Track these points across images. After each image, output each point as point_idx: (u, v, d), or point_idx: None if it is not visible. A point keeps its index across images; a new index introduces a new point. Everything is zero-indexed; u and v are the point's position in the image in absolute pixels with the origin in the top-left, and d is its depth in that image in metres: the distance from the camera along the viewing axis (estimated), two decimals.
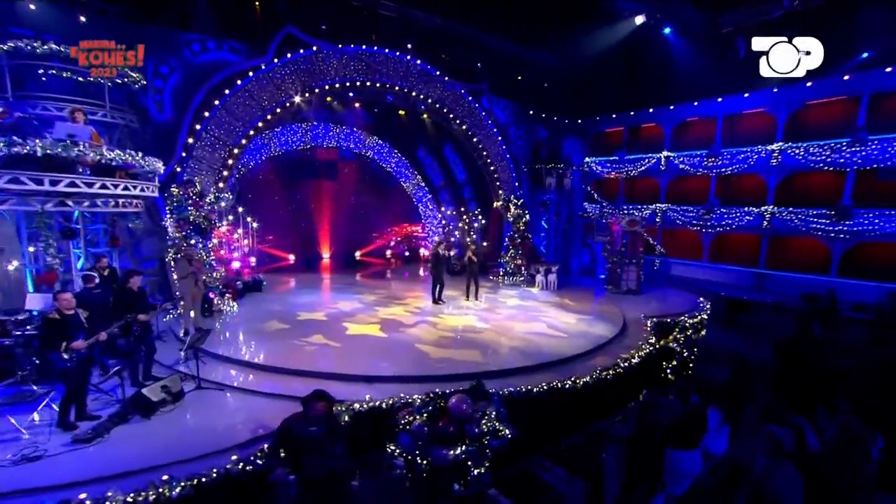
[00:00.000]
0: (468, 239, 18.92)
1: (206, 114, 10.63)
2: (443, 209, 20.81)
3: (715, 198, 15.84)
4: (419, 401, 6.22)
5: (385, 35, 13.80)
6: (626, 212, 17.97)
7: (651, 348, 8.89)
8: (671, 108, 17.10)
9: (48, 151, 5.64)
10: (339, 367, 7.49)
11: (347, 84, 12.88)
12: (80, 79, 9.40)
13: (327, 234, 19.25)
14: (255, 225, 13.92)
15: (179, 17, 10.88)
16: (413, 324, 10.27)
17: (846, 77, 13.13)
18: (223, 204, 10.64)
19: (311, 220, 18.77)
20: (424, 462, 5.33)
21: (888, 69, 12.40)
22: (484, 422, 5.74)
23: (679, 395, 5.33)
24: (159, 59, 10.64)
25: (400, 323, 10.28)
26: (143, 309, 6.92)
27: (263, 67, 11.35)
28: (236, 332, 9.24)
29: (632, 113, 18.51)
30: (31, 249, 8.23)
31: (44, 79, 9.00)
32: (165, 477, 4.67)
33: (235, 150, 11.06)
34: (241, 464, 4.97)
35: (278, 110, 11.71)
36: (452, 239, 18.67)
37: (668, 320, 10.75)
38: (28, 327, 6.98)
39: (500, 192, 16.84)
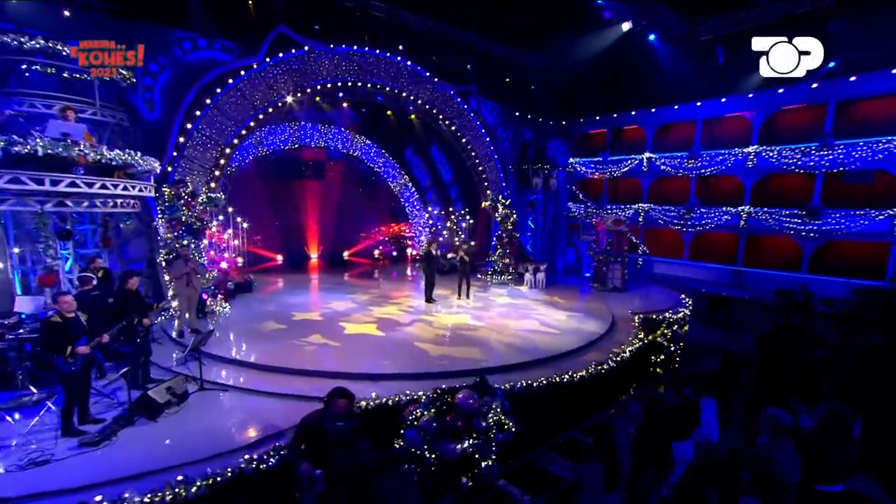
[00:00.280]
0: (456, 239, 19.14)
1: (198, 113, 10.50)
2: (430, 209, 20.97)
3: (695, 198, 16.44)
4: (425, 397, 6.40)
5: (377, 36, 13.86)
6: (609, 212, 18.47)
7: (640, 343, 9.26)
8: (653, 111, 17.65)
9: (49, 151, 5.54)
10: (341, 366, 7.57)
11: (339, 84, 12.90)
12: (66, 75, 9.21)
13: (315, 234, 19.17)
14: (245, 225, 13.78)
15: (169, 15, 10.66)
16: (409, 322, 10.41)
17: (814, 85, 13.85)
18: (217, 205, 10.53)
19: (298, 220, 18.67)
20: (433, 456, 5.49)
21: (852, 78, 13.15)
22: (490, 415, 5.95)
23: (672, 387, 5.64)
24: (149, 57, 10.41)
25: (396, 322, 10.39)
26: (143, 310, 6.87)
27: (255, 67, 11.28)
28: (234, 333, 9.20)
29: (615, 115, 19.01)
30: (17, 251, 8.04)
31: (27, 74, 8.77)
32: (180, 477, 4.71)
33: (227, 150, 10.97)
34: (255, 462, 5.04)
35: (270, 110, 11.64)
36: (441, 239, 18.83)
37: (654, 316, 11.18)
38: (21, 331, 6.83)
39: (489, 192, 17.11)
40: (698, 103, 16.25)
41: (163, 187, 9.69)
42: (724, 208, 15.65)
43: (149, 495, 4.46)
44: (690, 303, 13.17)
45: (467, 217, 18.96)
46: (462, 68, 16.39)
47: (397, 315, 11.04)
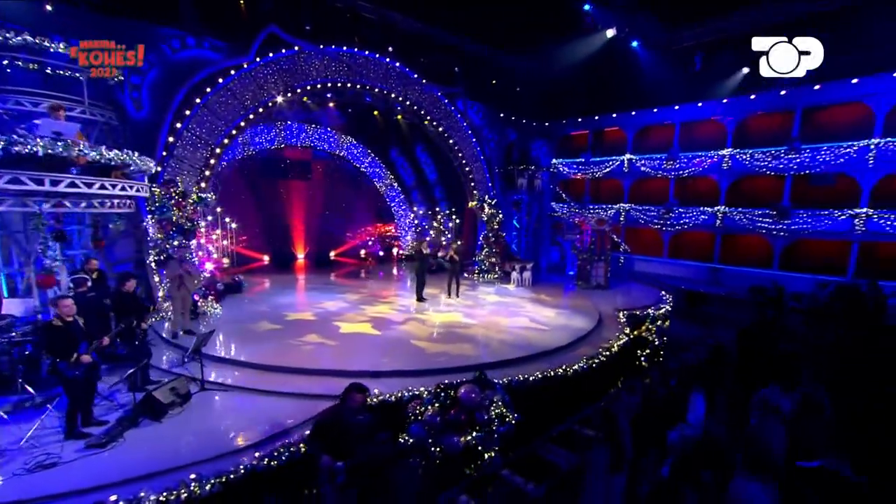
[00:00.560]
0: (443, 238, 19.36)
1: (188, 112, 10.38)
2: (415, 209, 21.12)
3: (674, 198, 17.11)
4: (427, 393, 6.59)
5: (367, 38, 13.93)
6: (591, 211, 19.00)
7: (627, 338, 9.67)
8: (633, 113, 18.24)
9: (50, 151, 5.47)
10: (341, 364, 7.68)
11: (329, 85, 12.91)
12: (49, 71, 9.01)
13: (301, 235, 19.06)
14: (234, 226, 13.64)
15: (157, 12, 10.48)
16: (403, 321, 10.56)
17: (783, 92, 14.65)
18: (208, 205, 10.44)
19: (284, 220, 18.53)
20: (437, 450, 5.70)
21: (816, 87, 13.98)
22: (492, 408, 6.20)
23: (661, 378, 5.99)
24: None
25: (390, 321, 10.53)
26: (141, 312, 6.84)
27: (246, 66, 11.19)
28: (229, 334, 9.16)
29: (596, 117, 19.56)
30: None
31: (8, 70, 8.55)
32: (193, 476, 4.78)
33: (217, 150, 10.87)
34: (266, 459, 5.14)
35: (261, 110, 11.58)
36: (427, 238, 19.01)
37: (638, 312, 11.66)
38: (13, 334, 6.70)
39: (475, 192, 17.37)
40: (676, 107, 16.92)
41: (152, 187, 9.57)
42: (701, 208, 16.36)
43: (164, 494, 4.53)
44: (671, 299, 13.75)
45: (454, 217, 19.19)
46: (450, 70, 16.60)
47: (390, 314, 11.18)
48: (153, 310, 7.79)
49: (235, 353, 8.14)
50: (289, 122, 16.86)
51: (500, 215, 17.25)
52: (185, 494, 4.57)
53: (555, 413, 7.63)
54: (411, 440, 5.65)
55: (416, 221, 21.26)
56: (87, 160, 5.93)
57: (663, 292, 14.60)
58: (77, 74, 9.26)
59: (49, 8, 9.77)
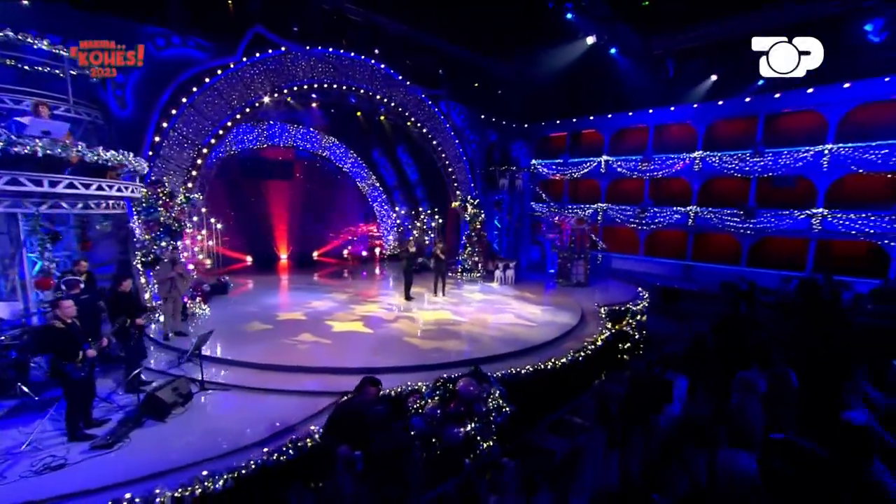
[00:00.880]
0: (426, 238, 19.59)
1: (174, 111, 10.25)
2: (397, 209, 21.29)
3: (649, 198, 17.86)
4: (425, 387, 6.84)
5: (353, 40, 14.01)
6: (570, 211, 19.61)
7: (609, 333, 10.16)
8: (609, 116, 18.93)
9: (48, 152, 5.41)
10: (338, 361, 7.83)
11: (315, 86, 12.94)
12: (27, 67, 8.79)
13: (284, 235, 18.92)
14: (219, 226, 13.49)
15: (141, 10, 10.29)
16: (393, 319, 10.75)
17: (747, 99, 15.60)
18: (195, 206, 10.34)
19: (267, 220, 18.37)
20: (437, 441, 5.95)
21: (776, 95, 14.94)
22: (490, 400, 6.50)
23: (647, 366, 6.43)
24: None
25: (381, 319, 10.71)
26: (135, 313, 6.82)
27: (233, 66, 11.13)
28: (222, 335, 9.09)
29: (574, 119, 20.17)
30: None
31: None
32: (205, 472, 4.88)
33: (204, 150, 10.78)
34: (276, 455, 5.28)
35: (248, 110, 11.54)
36: (410, 238, 19.19)
37: (618, 308, 12.20)
38: (2, 338, 6.57)
39: (458, 192, 17.68)
40: (650, 111, 17.67)
41: (140, 188, 9.43)
42: (674, 208, 17.15)
43: (179, 490, 4.62)
44: (647, 295, 14.41)
45: (437, 217, 19.45)
46: (434, 72, 16.83)
47: (380, 313, 11.34)
48: (150, 310, 7.72)
49: (231, 353, 8.16)
50: (271, 122, 16.75)
51: (483, 215, 17.61)
52: (200, 490, 4.68)
53: (545, 404, 8.04)
54: (413, 433, 5.89)
55: (398, 221, 21.42)
56: (84, 161, 5.87)
57: (640, 289, 15.26)
58: (57, 71, 9.07)
59: (25, 2, 9.51)
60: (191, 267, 12.10)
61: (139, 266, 9.69)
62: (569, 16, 14.10)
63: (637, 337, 10.72)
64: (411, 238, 18.98)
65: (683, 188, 17.09)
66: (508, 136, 20.66)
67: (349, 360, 7.91)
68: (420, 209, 20.44)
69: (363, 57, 13.76)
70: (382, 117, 17.08)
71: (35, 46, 7.99)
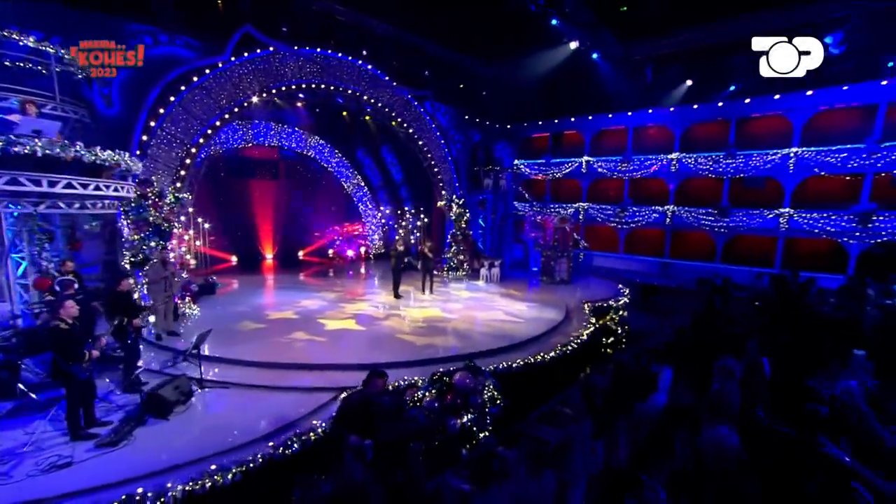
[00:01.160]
0: (411, 237, 19.78)
1: (162, 110, 10.16)
2: (382, 208, 21.41)
3: (628, 198, 18.52)
4: (422, 381, 7.08)
5: (342, 41, 14.07)
6: (552, 210, 20.12)
7: (594, 328, 10.60)
8: (590, 117, 19.52)
9: (48, 152, 5.39)
10: (334, 358, 8.00)
11: (303, 86, 12.98)
12: (7, 63, 8.60)
13: (269, 234, 18.81)
14: (207, 226, 13.37)
15: (127, 7, 10.15)
16: (384, 317, 10.94)
17: (720, 104, 16.38)
18: (184, 205, 10.28)
19: (251, 219, 18.23)
20: (440, 432, 6.21)
21: (747, 100, 15.75)
22: (485, 392, 6.80)
23: (633, 358, 6.83)
24: None
25: (372, 317, 10.88)
26: (132, 312, 6.83)
27: (221, 65, 11.08)
28: (215, 333, 9.06)
29: (556, 120, 20.69)
30: None
31: None
32: (214, 467, 5.00)
33: (193, 150, 10.71)
34: (282, 448, 5.44)
35: (236, 109, 11.51)
36: (396, 238, 19.34)
37: (601, 304, 12.68)
38: None
39: (444, 192, 17.92)
40: (630, 113, 18.31)
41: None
42: (652, 207, 17.84)
43: (189, 484, 4.74)
44: (627, 292, 14.97)
45: (422, 216, 19.65)
46: (420, 73, 17.02)
47: (370, 311, 11.50)
48: (147, 310, 7.72)
49: (227, 352, 8.20)
50: (256, 121, 16.64)
51: (468, 214, 17.91)
52: (210, 484, 4.81)
53: (535, 396, 8.38)
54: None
55: (382, 221, 21.54)
56: (82, 161, 5.86)
57: (620, 286, 15.82)
58: (39, 67, 8.89)
59: None
60: (179, 267, 12.04)
61: (127, 266, 9.58)
62: (553, 21, 14.51)
63: (619, 332, 11.22)
64: (399, 237, 19.16)
65: (661, 188, 17.78)
66: (492, 137, 21.02)
67: (345, 357, 8.09)
68: (405, 209, 20.61)
69: (351, 58, 13.85)
70: (367, 117, 17.18)
71: (21, 43, 7.83)
